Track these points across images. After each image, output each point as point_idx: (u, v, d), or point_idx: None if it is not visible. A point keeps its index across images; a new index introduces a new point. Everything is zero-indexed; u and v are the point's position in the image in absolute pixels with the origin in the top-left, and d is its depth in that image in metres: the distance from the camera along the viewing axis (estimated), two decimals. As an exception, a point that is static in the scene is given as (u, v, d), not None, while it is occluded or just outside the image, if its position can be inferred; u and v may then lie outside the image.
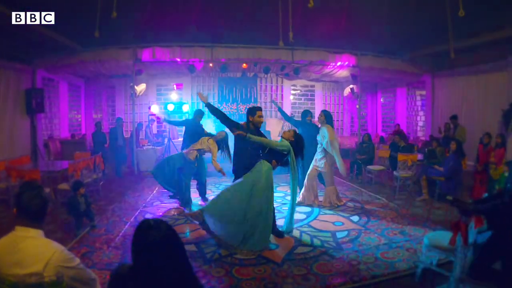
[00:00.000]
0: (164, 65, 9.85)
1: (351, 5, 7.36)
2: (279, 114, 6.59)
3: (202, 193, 6.22)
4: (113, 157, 8.77)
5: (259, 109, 4.50)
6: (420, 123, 12.13)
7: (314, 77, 11.79)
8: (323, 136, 5.73)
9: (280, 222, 4.72)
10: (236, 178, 4.39)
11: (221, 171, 5.34)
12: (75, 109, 12.20)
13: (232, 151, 4.87)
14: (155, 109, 11.18)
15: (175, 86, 12.36)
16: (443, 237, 3.16)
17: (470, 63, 9.23)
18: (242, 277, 3.39)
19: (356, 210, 5.69)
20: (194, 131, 6.30)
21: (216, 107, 4.83)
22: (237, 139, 4.38)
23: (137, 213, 5.54)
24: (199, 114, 6.60)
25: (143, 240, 1.40)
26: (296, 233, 4.58)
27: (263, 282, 3.29)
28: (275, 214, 4.57)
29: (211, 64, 9.85)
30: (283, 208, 5.67)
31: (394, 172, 7.17)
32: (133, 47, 9.00)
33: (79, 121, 12.38)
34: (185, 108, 10.02)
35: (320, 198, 5.95)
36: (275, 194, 4.48)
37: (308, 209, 5.71)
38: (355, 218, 5.26)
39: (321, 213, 5.53)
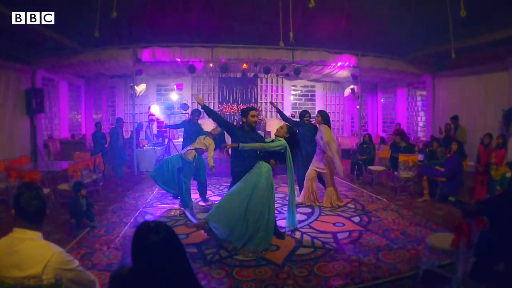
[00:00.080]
0: (164, 65, 9.83)
1: (351, 5, 7.36)
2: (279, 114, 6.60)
3: (202, 194, 6.21)
4: (113, 158, 8.75)
5: (252, 109, 4.50)
6: (421, 124, 12.11)
7: (315, 77, 11.78)
8: (321, 136, 5.72)
9: (281, 223, 4.69)
10: (234, 181, 4.37)
11: (212, 169, 5.42)
12: (75, 109, 12.18)
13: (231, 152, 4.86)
14: (155, 109, 11.17)
15: (175, 86, 12.37)
16: (445, 238, 3.14)
17: (470, 64, 9.21)
18: (243, 278, 3.38)
19: (357, 211, 5.67)
20: (192, 131, 6.35)
21: (212, 109, 4.86)
22: (234, 139, 4.37)
23: (137, 213, 5.52)
24: (196, 113, 6.63)
25: (143, 241, 1.39)
26: (297, 234, 4.56)
27: (264, 283, 3.27)
28: (276, 215, 4.54)
29: (211, 64, 9.83)
30: (283, 208, 5.64)
31: (395, 173, 7.15)
32: (133, 47, 8.99)
33: (79, 121, 12.37)
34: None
35: (321, 199, 5.93)
36: (275, 195, 4.45)
37: (308, 210, 5.69)
38: (356, 219, 5.24)
39: (322, 214, 5.51)
